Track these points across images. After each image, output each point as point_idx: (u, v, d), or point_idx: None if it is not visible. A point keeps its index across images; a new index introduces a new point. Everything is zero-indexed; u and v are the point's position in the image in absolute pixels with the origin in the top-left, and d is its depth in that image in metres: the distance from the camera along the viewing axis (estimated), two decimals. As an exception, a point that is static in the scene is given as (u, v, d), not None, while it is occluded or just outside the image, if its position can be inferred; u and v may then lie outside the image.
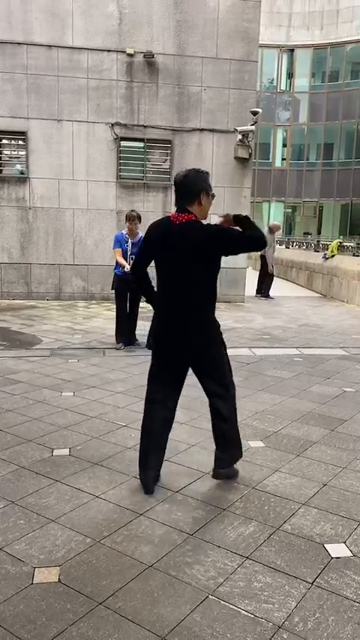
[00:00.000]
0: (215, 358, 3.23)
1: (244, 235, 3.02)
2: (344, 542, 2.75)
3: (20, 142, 10.95)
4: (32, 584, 2.38)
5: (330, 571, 2.52)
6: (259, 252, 13.27)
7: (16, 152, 11.09)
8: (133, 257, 6.82)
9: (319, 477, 3.49)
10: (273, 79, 35.63)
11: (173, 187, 3.15)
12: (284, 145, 37.03)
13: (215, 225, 3.10)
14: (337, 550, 2.69)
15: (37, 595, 2.31)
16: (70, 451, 3.78)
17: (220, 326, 3.23)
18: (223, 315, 9.69)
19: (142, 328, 7.88)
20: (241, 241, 3.06)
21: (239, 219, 3.06)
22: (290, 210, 38.39)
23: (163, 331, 3.18)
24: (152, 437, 3.25)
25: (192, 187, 3.06)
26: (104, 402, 4.86)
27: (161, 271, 3.15)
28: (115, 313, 7.25)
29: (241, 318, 9.76)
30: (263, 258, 13.03)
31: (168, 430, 3.31)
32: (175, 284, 3.07)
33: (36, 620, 2.16)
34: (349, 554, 2.66)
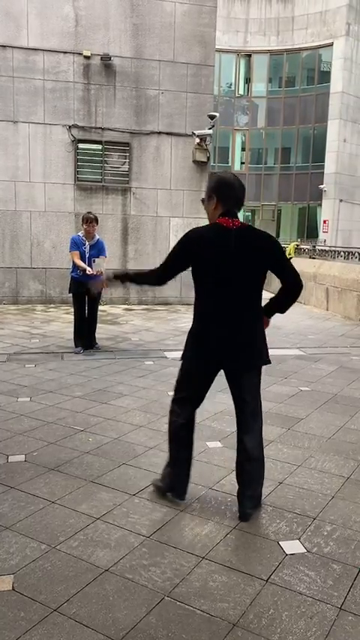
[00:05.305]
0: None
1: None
2: (299, 539, 2.80)
3: (-25, 143, 10.72)
4: (-15, 593, 2.33)
5: (284, 567, 2.56)
6: None
7: (-30, 153, 10.85)
8: (94, 259, 6.78)
9: (275, 476, 3.54)
10: (231, 84, 36.00)
11: (226, 190, 3.04)
12: (243, 149, 37.43)
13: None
14: (292, 547, 2.73)
15: (-10, 604, 2.26)
16: (25, 457, 3.72)
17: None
18: (184, 317, 9.73)
19: (102, 332, 7.84)
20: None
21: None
22: (249, 214, 38.81)
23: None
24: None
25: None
26: (62, 406, 4.81)
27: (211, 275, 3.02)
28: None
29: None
30: None
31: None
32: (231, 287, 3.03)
33: (-12, 630, 2.12)
34: (304, 550, 2.71)
